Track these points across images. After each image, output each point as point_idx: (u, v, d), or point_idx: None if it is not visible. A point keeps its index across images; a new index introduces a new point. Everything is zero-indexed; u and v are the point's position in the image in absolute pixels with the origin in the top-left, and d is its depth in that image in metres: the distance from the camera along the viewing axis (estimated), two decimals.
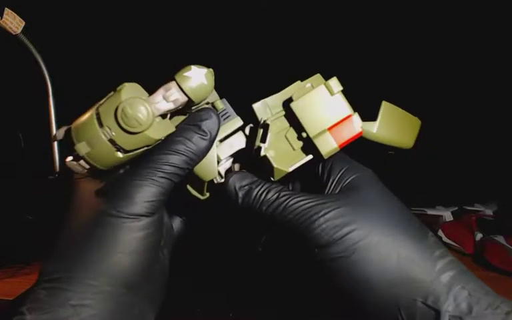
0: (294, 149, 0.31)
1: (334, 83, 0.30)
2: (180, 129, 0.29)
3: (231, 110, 0.33)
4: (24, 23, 0.65)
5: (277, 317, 0.50)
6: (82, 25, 0.82)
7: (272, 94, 0.34)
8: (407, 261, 0.26)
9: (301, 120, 0.30)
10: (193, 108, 0.31)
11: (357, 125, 0.29)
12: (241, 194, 0.30)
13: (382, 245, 0.26)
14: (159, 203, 0.28)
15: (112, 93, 0.28)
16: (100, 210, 0.27)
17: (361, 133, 0.30)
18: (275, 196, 0.29)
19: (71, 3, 0.81)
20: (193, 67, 0.27)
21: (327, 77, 0.33)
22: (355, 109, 0.30)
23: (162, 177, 0.27)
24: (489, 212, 0.70)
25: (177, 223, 0.36)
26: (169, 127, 0.29)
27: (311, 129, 0.30)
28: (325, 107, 0.30)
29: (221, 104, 0.33)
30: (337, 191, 0.30)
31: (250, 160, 0.33)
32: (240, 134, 0.34)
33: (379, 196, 0.29)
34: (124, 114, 0.25)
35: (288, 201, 0.28)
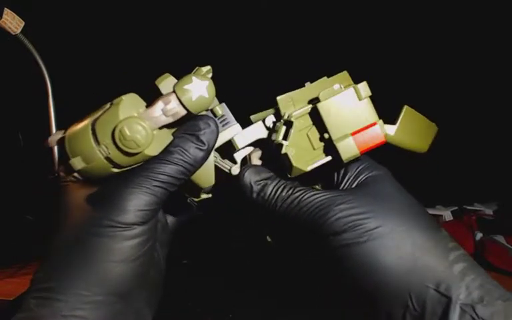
0: (314, 148, 0.31)
1: (363, 87, 0.29)
2: (177, 138, 0.28)
3: (230, 116, 0.33)
4: (23, 22, 0.64)
5: (276, 317, 0.50)
6: (82, 25, 0.82)
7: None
8: (421, 249, 0.26)
9: (326, 121, 0.29)
10: None
11: (380, 133, 0.29)
12: (256, 189, 0.30)
13: (396, 233, 0.27)
14: (152, 212, 0.27)
15: (108, 105, 0.27)
16: (91, 218, 0.26)
17: (384, 141, 0.29)
18: (290, 192, 0.29)
19: (71, 3, 0.81)
20: (194, 79, 0.26)
21: (328, 76, 0.32)
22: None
23: (156, 186, 0.27)
24: (489, 212, 0.70)
25: (171, 217, 0.36)
26: (166, 137, 0.28)
27: (334, 132, 0.29)
28: (351, 111, 0.29)
29: (220, 110, 0.32)
30: (353, 186, 0.31)
31: (267, 150, 0.33)
32: (259, 124, 0.33)
33: (394, 191, 0.30)
34: (122, 135, 0.25)
35: (302, 195, 0.29)
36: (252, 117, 0.35)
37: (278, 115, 0.33)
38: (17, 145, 0.80)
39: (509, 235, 0.59)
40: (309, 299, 0.49)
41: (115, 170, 0.27)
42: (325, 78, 0.33)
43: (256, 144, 0.34)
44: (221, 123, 0.32)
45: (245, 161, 0.34)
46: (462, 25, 0.77)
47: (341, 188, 0.31)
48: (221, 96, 0.33)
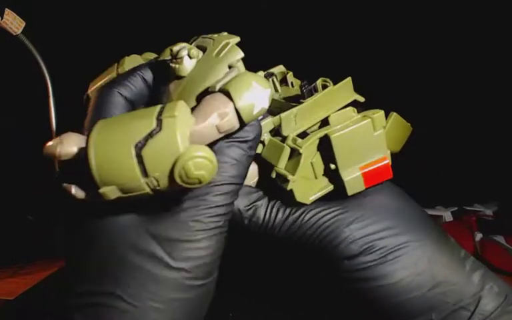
0: (316, 177, 0.28)
1: (380, 118, 0.27)
2: (227, 149, 0.23)
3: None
4: (24, 23, 0.65)
5: (277, 317, 0.50)
6: (82, 25, 0.82)
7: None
8: (437, 264, 0.26)
9: (336, 153, 0.27)
10: None
11: (389, 169, 0.27)
12: (246, 215, 0.27)
13: (411, 250, 0.26)
14: (218, 260, 0.24)
15: (154, 123, 0.20)
16: (147, 251, 0.22)
17: (391, 177, 0.27)
18: (287, 213, 0.27)
19: (71, 3, 0.81)
20: (255, 85, 0.21)
21: (331, 79, 0.32)
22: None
23: (224, 220, 0.23)
24: (489, 212, 0.70)
25: None
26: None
27: (343, 164, 0.27)
28: (363, 144, 0.27)
29: None
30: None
31: (258, 165, 0.30)
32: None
33: (401, 202, 0.29)
34: (185, 173, 0.19)
35: (303, 216, 0.26)
36: None
37: (276, 131, 0.29)
38: (17, 145, 0.80)
39: (509, 235, 0.59)
40: (312, 301, 0.49)
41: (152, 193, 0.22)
42: (332, 88, 0.30)
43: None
44: None
45: None
46: (461, 23, 0.77)
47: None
48: None
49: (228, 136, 0.23)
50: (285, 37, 0.82)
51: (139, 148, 0.20)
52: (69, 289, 0.23)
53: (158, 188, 0.20)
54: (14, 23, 0.63)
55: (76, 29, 0.82)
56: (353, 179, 0.27)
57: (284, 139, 0.28)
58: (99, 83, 0.28)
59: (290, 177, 0.26)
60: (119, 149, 0.20)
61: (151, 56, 0.31)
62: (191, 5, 0.83)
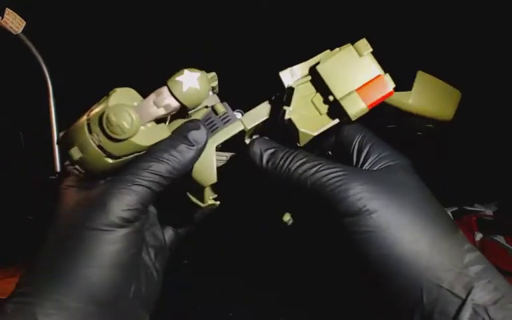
0: (320, 114, 0.30)
1: (363, 43, 0.29)
2: (166, 139, 0.28)
3: (231, 113, 0.33)
4: (25, 22, 0.65)
5: (276, 314, 0.50)
6: (82, 25, 0.82)
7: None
8: (437, 248, 0.26)
9: (327, 82, 0.28)
10: (190, 112, 0.31)
11: (387, 84, 0.28)
12: (265, 155, 0.30)
13: (414, 228, 0.26)
14: (136, 212, 0.26)
15: (105, 97, 0.28)
16: (75, 220, 0.26)
17: (391, 92, 0.28)
18: (304, 159, 0.28)
19: (71, 3, 0.81)
20: (186, 71, 0.27)
21: None
22: None
23: (140, 185, 0.26)
24: (489, 212, 0.70)
25: (169, 231, 0.35)
26: (162, 132, 0.28)
27: (338, 91, 0.28)
28: (352, 68, 0.28)
29: (222, 107, 0.32)
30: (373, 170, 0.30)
31: (275, 130, 0.32)
32: (266, 103, 0.33)
33: (416, 184, 0.29)
34: (108, 121, 0.25)
35: (318, 166, 0.28)
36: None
37: (282, 92, 0.32)
38: (17, 145, 0.80)
39: (509, 235, 0.59)
40: (310, 296, 0.49)
41: (109, 160, 0.27)
42: (328, 51, 0.32)
43: (265, 128, 0.33)
44: (222, 120, 0.32)
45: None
46: (459, 23, 0.77)
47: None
48: (221, 96, 0.33)
49: (174, 132, 0.29)
50: (285, 37, 0.82)
51: (89, 113, 0.27)
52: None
53: (101, 144, 0.26)
54: (14, 22, 0.63)
55: (76, 28, 0.82)
56: (350, 99, 0.28)
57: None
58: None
59: (286, 108, 0.29)
60: (81, 119, 0.28)
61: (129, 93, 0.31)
62: (192, 5, 0.83)
